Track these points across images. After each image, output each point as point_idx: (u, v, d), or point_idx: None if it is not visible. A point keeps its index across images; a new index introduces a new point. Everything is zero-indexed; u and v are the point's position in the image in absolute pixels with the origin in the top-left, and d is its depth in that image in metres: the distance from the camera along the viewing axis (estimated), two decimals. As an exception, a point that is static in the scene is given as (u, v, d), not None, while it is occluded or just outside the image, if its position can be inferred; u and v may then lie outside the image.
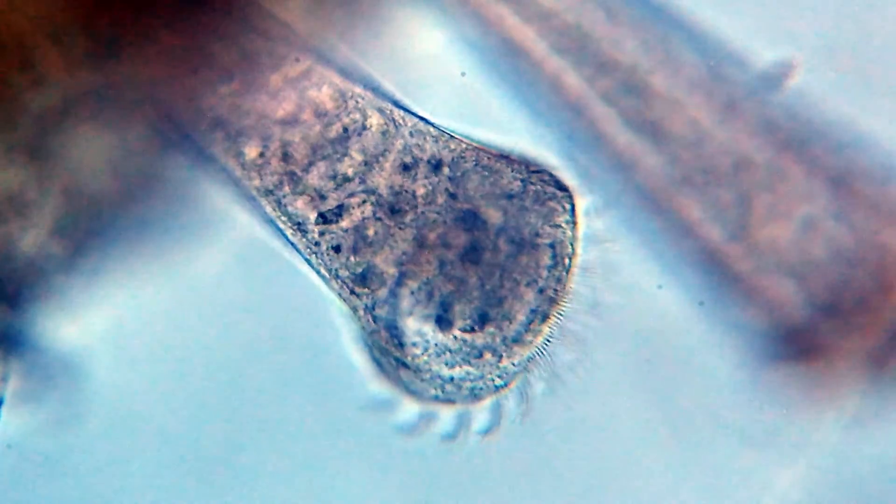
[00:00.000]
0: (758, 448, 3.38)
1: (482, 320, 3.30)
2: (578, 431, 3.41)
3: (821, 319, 3.30)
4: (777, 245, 3.29)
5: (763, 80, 3.33)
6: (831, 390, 3.33)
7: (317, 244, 3.34)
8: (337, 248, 3.33)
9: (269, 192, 3.33)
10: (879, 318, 3.30)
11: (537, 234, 3.32)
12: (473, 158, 3.35)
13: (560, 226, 3.33)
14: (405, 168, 3.33)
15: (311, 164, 3.31)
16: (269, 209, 3.34)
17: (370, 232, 3.32)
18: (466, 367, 3.32)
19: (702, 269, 3.35)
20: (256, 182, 3.33)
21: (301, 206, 3.33)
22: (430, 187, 3.32)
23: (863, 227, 3.30)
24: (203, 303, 3.40)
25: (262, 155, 3.32)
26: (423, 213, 3.31)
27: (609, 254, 3.37)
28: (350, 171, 3.32)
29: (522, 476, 3.41)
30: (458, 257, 3.30)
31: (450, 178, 3.33)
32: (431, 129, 3.36)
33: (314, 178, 3.32)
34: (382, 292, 3.31)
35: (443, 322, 3.30)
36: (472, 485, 3.42)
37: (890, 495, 3.39)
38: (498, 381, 3.33)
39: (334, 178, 3.32)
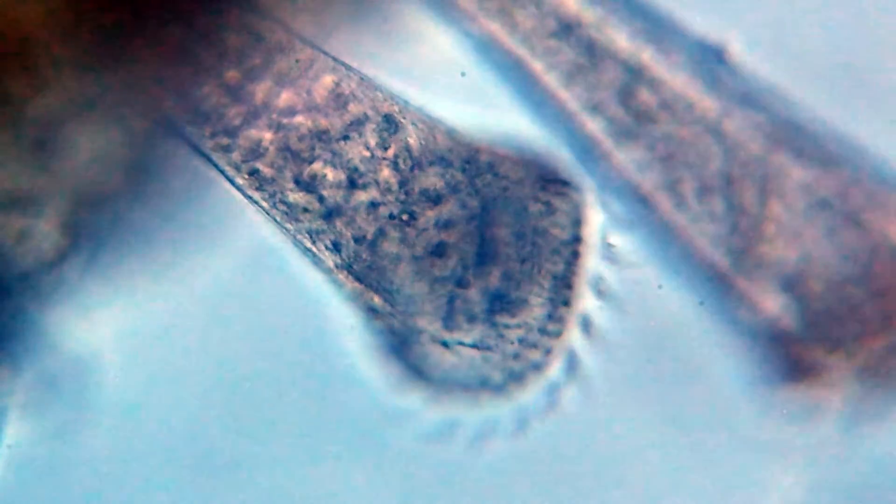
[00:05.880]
0: (758, 448, 3.38)
1: (495, 316, 3.31)
2: (577, 430, 3.41)
3: (817, 328, 3.31)
4: (774, 254, 3.30)
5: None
6: (831, 394, 3.34)
7: (320, 238, 3.34)
8: (337, 245, 3.34)
9: (267, 185, 3.34)
10: (879, 324, 3.30)
11: (543, 232, 3.32)
12: (479, 157, 3.36)
13: (564, 224, 3.34)
14: (409, 165, 3.34)
15: (313, 157, 3.32)
16: (267, 203, 3.34)
17: (375, 228, 3.32)
18: (485, 358, 3.32)
19: (702, 268, 3.36)
20: (256, 175, 3.34)
21: (302, 200, 3.33)
22: (436, 185, 3.33)
23: (862, 236, 3.30)
24: (212, 305, 3.40)
25: (260, 147, 3.33)
26: (428, 209, 3.32)
27: (610, 253, 3.37)
28: (353, 167, 3.33)
29: (522, 475, 3.41)
30: (468, 254, 3.31)
31: (456, 176, 3.34)
32: (437, 126, 3.36)
33: (315, 172, 3.33)
34: (394, 289, 3.32)
35: (456, 318, 3.31)
36: (471, 486, 3.42)
37: (890, 495, 3.39)
38: (514, 366, 3.34)
39: (336, 172, 3.33)
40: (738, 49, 3.37)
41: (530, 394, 3.36)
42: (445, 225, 3.32)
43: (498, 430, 3.38)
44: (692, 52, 3.35)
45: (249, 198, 3.36)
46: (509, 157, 3.37)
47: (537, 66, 3.37)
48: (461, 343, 3.32)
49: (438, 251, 3.32)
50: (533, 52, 3.36)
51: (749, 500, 3.38)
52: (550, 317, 3.33)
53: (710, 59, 3.35)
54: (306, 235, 3.35)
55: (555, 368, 3.36)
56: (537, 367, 3.34)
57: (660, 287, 3.37)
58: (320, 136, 3.33)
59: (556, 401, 3.37)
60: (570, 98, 3.36)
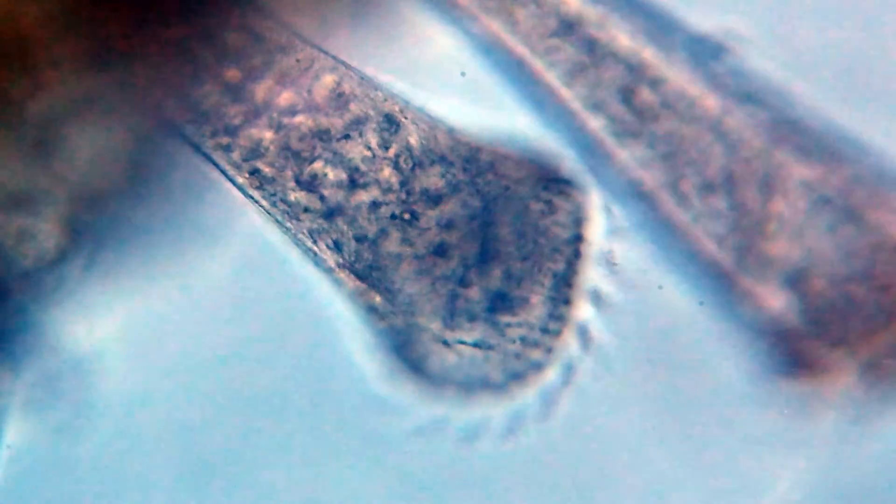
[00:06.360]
0: (760, 445, 3.38)
1: (496, 315, 3.31)
2: (577, 430, 3.40)
3: (820, 325, 3.31)
4: (777, 251, 3.30)
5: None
6: (833, 390, 3.34)
7: (321, 237, 3.34)
8: (339, 245, 3.34)
9: (268, 184, 3.34)
10: (881, 321, 3.31)
11: (544, 231, 3.33)
12: (480, 156, 3.36)
13: (566, 223, 3.34)
14: (410, 165, 3.34)
15: (313, 157, 3.32)
16: (267, 203, 3.34)
17: (376, 228, 3.32)
18: (486, 357, 3.32)
19: (704, 266, 3.36)
20: (257, 174, 3.34)
21: (303, 200, 3.33)
22: (437, 184, 3.33)
23: (864, 233, 3.31)
24: (212, 304, 3.39)
25: (261, 147, 3.33)
26: (429, 209, 3.32)
27: (610, 254, 3.37)
28: (354, 166, 3.33)
29: (523, 475, 3.41)
30: (470, 254, 3.31)
31: (457, 176, 3.34)
32: (438, 126, 3.36)
33: (316, 171, 3.33)
34: (395, 289, 3.32)
35: (458, 317, 3.31)
36: (471, 485, 3.41)
37: (890, 495, 3.39)
38: (516, 367, 3.34)
39: (337, 172, 3.33)
40: (739, 46, 3.37)
41: (531, 393, 3.36)
42: (447, 224, 3.32)
43: (499, 430, 3.38)
44: (694, 50, 3.36)
45: (250, 197, 3.36)
46: (510, 156, 3.37)
47: (538, 64, 3.37)
48: (462, 342, 3.32)
49: (440, 251, 3.32)
50: (534, 50, 3.36)
51: (751, 497, 3.38)
52: (552, 315, 3.33)
53: (711, 57, 3.36)
54: (307, 235, 3.35)
55: (556, 367, 3.36)
56: (538, 367, 3.34)
57: (660, 287, 3.37)
58: (321, 135, 3.33)
59: (557, 399, 3.37)
60: (571, 97, 3.36)
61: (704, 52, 3.36)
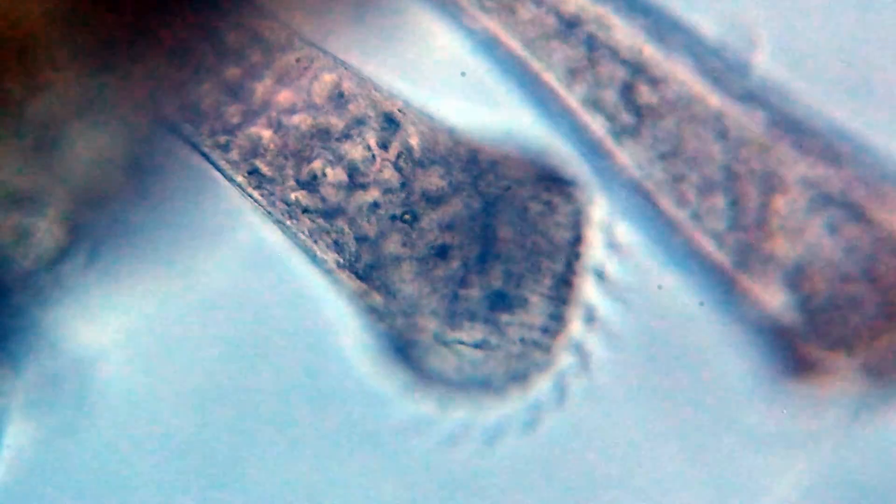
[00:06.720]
0: (761, 445, 3.38)
1: (496, 315, 3.31)
2: (578, 431, 3.40)
3: (820, 324, 3.31)
4: (777, 250, 3.30)
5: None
6: (834, 390, 3.34)
7: (321, 237, 3.34)
8: (339, 245, 3.33)
9: (267, 184, 3.33)
10: (882, 320, 3.31)
11: (544, 232, 3.32)
12: (481, 156, 3.36)
13: (566, 224, 3.34)
14: (410, 165, 3.34)
15: (313, 157, 3.32)
16: (266, 202, 3.34)
17: (377, 229, 3.32)
18: (487, 357, 3.32)
19: (705, 265, 3.36)
20: (256, 173, 3.34)
21: (303, 200, 3.33)
22: (437, 185, 3.33)
23: (865, 231, 3.31)
24: (212, 304, 3.39)
25: (260, 146, 3.32)
26: (429, 210, 3.32)
27: (610, 254, 3.37)
28: (354, 166, 3.33)
29: (523, 475, 3.41)
30: (470, 254, 3.31)
31: (458, 176, 3.34)
32: (438, 126, 3.36)
33: (315, 171, 3.33)
34: (395, 289, 3.32)
35: (458, 318, 3.31)
36: (472, 487, 3.41)
37: (890, 495, 3.39)
38: (517, 368, 3.34)
39: (337, 172, 3.33)
40: (740, 45, 3.37)
41: (532, 393, 3.36)
42: (447, 225, 3.32)
43: (499, 431, 3.37)
44: (694, 48, 3.36)
45: (250, 196, 3.36)
46: (511, 156, 3.37)
47: (538, 64, 3.37)
48: (462, 342, 3.32)
49: (440, 251, 3.32)
50: (534, 49, 3.36)
51: (752, 496, 3.38)
52: (551, 316, 3.33)
53: (712, 55, 3.36)
54: (307, 234, 3.35)
55: (556, 367, 3.36)
56: (539, 367, 3.34)
57: (659, 287, 3.37)
58: (320, 135, 3.33)
59: (558, 400, 3.37)
60: (571, 96, 3.36)
61: (706, 51, 3.36)
